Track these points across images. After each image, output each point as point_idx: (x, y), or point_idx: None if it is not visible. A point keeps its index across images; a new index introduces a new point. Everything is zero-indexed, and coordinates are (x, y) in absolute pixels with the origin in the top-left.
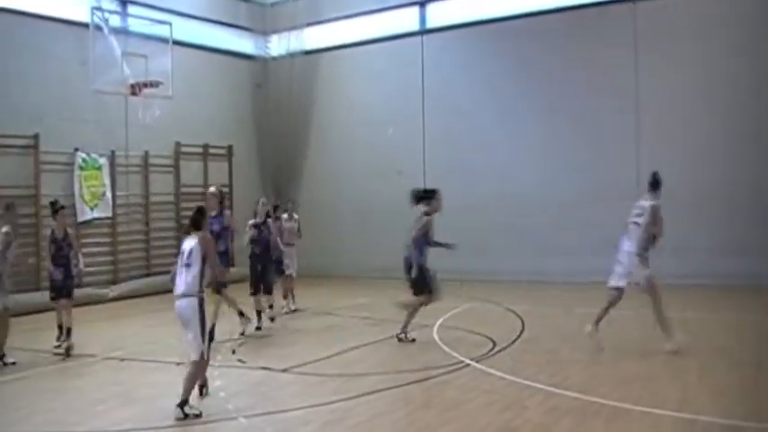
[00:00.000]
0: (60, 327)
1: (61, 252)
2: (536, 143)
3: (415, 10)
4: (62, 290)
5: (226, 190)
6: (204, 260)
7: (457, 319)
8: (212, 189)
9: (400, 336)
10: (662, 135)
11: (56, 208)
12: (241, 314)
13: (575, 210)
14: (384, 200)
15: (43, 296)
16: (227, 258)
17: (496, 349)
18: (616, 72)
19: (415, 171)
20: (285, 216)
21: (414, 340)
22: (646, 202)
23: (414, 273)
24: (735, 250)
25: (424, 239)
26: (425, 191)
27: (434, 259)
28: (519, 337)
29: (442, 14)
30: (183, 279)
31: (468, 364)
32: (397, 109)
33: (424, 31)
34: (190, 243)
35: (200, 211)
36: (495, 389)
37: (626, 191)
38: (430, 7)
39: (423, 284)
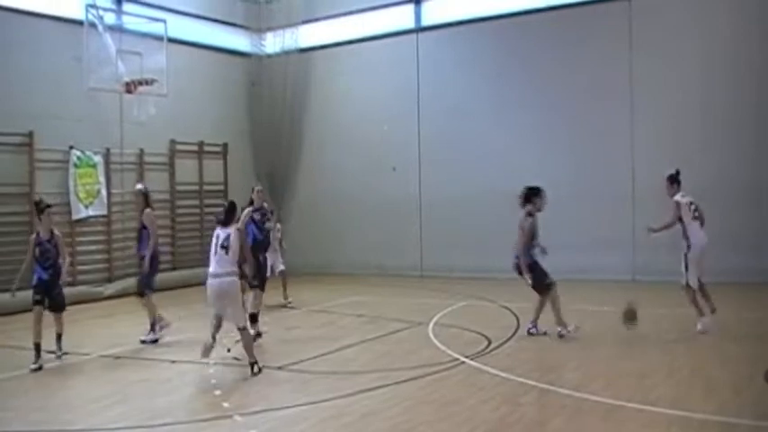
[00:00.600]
0: (37, 346)
1: (46, 255)
2: (531, 140)
3: (410, 7)
4: (49, 292)
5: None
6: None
7: (452, 317)
8: (139, 186)
9: (531, 330)
10: (657, 132)
11: (41, 207)
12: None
13: (571, 206)
14: (380, 197)
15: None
16: (155, 263)
17: (491, 347)
18: (611, 70)
19: (411, 168)
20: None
21: (545, 333)
22: (690, 197)
23: (527, 274)
24: (730, 247)
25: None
26: (530, 189)
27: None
28: (514, 334)
29: (437, 12)
30: (221, 260)
31: (463, 362)
32: (393, 106)
33: (420, 29)
34: (225, 231)
35: (232, 206)
36: (489, 386)
37: (621, 188)
38: (425, 5)
39: (541, 281)
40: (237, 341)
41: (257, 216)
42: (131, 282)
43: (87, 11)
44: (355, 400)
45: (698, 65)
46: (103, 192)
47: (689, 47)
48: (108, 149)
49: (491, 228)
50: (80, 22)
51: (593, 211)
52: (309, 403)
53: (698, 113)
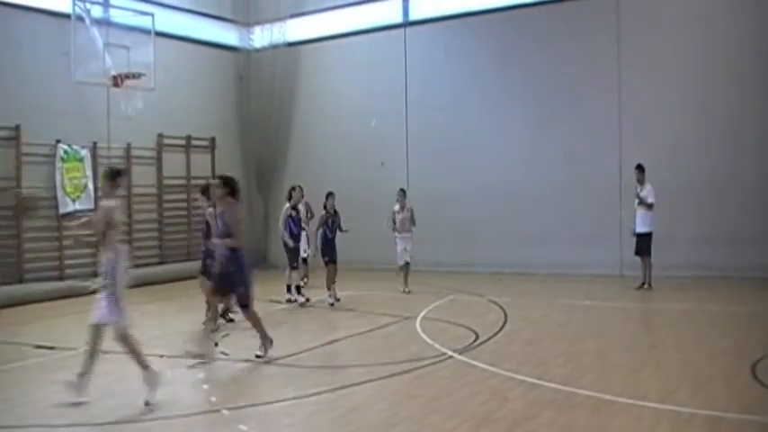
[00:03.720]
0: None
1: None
2: (519, 134)
3: (398, 2)
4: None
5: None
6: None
7: (440, 311)
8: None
9: None
10: (645, 126)
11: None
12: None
13: (558, 201)
14: (368, 191)
15: (24, 288)
16: None
17: (479, 341)
18: (600, 64)
19: (399, 162)
20: (397, 208)
21: None
22: None
23: None
24: (721, 243)
25: None
26: None
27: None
28: (502, 329)
29: (425, 6)
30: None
31: (451, 356)
32: (381, 100)
33: (408, 24)
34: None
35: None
36: (477, 381)
37: (609, 183)
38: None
39: None
40: (225, 335)
41: (293, 213)
42: None
43: (74, 4)
44: (343, 394)
45: (686, 60)
46: (90, 186)
47: (677, 41)
48: (95, 143)
49: (479, 222)
50: (67, 16)
51: (581, 206)
52: (297, 397)
53: (686, 108)
